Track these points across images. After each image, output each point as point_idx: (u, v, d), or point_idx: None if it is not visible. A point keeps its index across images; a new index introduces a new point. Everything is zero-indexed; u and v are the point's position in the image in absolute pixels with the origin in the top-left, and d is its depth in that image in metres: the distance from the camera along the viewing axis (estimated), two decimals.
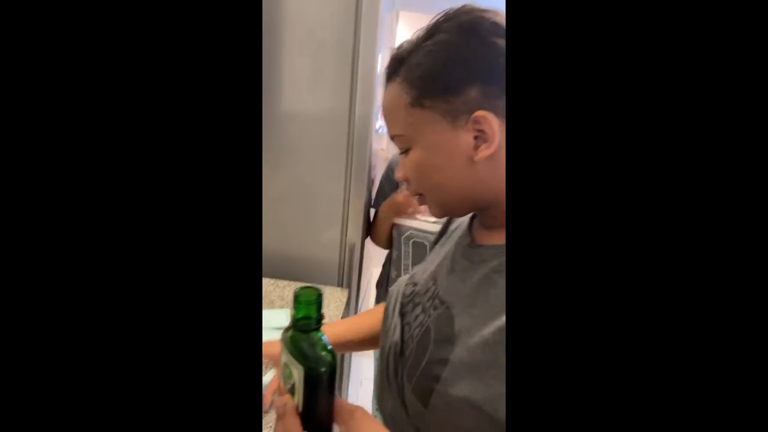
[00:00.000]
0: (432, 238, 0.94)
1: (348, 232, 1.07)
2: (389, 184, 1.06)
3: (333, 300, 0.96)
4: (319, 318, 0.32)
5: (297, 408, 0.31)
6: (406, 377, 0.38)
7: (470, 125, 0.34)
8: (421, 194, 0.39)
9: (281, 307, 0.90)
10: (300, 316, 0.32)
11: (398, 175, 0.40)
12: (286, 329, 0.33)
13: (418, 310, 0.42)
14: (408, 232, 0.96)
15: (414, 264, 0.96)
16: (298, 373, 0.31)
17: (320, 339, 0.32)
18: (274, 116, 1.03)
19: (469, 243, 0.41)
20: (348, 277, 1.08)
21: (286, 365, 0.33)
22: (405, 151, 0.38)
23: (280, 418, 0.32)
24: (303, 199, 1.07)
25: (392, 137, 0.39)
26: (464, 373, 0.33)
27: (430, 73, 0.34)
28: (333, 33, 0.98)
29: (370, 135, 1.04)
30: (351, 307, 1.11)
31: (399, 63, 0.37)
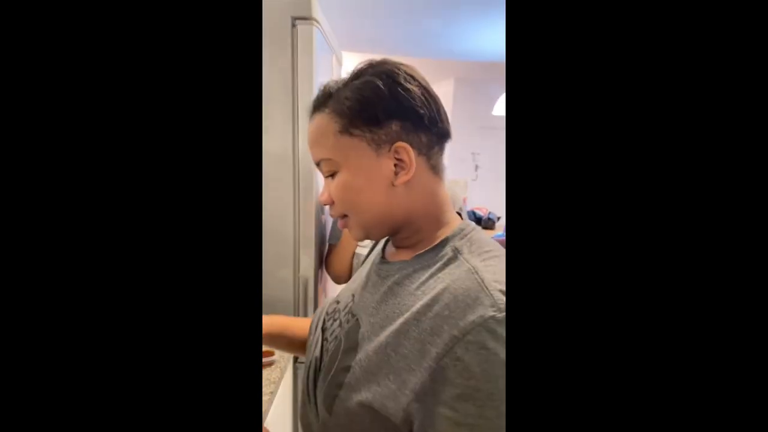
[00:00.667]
0: None
1: (301, 268, 1.07)
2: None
3: None
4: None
5: None
6: (318, 388, 0.41)
7: (391, 154, 0.39)
8: (344, 216, 0.43)
9: None
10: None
11: (322, 198, 0.44)
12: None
13: (336, 324, 0.45)
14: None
15: None
16: None
17: None
18: None
19: (380, 261, 0.46)
20: (304, 312, 1.07)
21: None
22: (331, 175, 0.42)
23: None
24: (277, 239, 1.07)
25: (318, 162, 0.43)
26: (362, 377, 0.36)
27: (358, 106, 0.39)
28: (272, 82, 1.05)
29: (316, 173, 1.08)
30: None
31: (328, 96, 0.42)
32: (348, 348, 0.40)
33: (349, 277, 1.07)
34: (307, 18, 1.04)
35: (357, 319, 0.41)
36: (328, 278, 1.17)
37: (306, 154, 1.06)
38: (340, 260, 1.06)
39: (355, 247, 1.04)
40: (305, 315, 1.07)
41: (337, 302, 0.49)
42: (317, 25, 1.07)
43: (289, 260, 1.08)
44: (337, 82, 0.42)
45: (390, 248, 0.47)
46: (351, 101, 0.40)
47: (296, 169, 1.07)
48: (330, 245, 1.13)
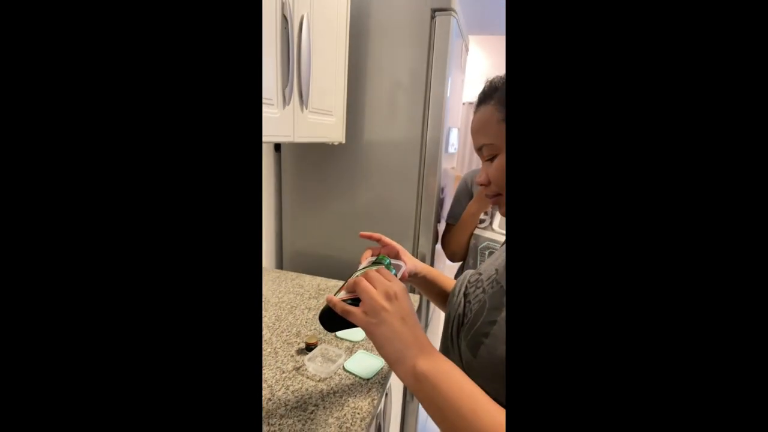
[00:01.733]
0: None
1: (419, 243, 1.21)
2: (466, 196, 1.17)
3: None
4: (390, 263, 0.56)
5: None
6: (463, 337, 0.51)
7: None
8: (499, 194, 0.51)
9: None
10: (376, 261, 0.57)
11: (480, 179, 0.52)
12: (358, 270, 0.53)
13: (479, 291, 0.54)
14: (485, 243, 1.07)
15: None
16: (374, 267, 0.51)
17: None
18: (357, 145, 1.24)
19: None
20: None
21: (362, 270, 0.51)
22: (491, 159, 0.50)
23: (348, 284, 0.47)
24: (381, 215, 1.25)
25: (482, 147, 0.50)
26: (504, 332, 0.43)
27: None
28: (407, 72, 1.15)
29: (440, 156, 1.17)
30: (422, 311, 1.24)
31: (494, 90, 0.48)
32: (492, 307, 0.48)
33: (465, 254, 1.15)
34: (446, 9, 1.09)
35: (501, 286, 0.49)
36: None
37: (432, 141, 1.16)
38: (458, 239, 1.15)
39: (474, 228, 1.11)
40: None
41: (480, 274, 0.59)
42: (454, 14, 1.11)
43: (410, 238, 1.22)
44: (502, 77, 0.48)
45: None
46: None
47: (423, 155, 1.17)
48: (448, 225, 1.22)
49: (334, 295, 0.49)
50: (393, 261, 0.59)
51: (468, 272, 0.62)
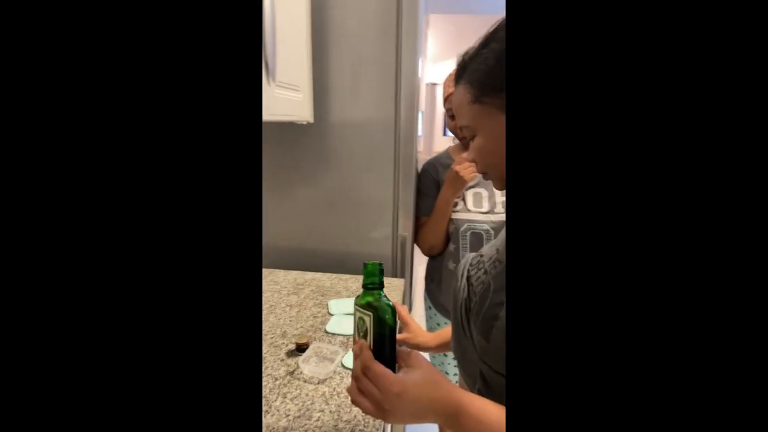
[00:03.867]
0: (486, 227, 1.02)
1: (399, 227, 1.17)
2: (433, 186, 1.13)
3: (393, 288, 1.06)
4: (381, 282, 0.44)
5: (369, 346, 0.42)
6: (473, 322, 0.48)
7: None
8: (485, 172, 0.48)
9: (348, 296, 1.01)
10: (368, 281, 0.44)
11: (468, 156, 0.49)
12: (357, 297, 0.45)
13: (481, 272, 0.51)
14: (465, 225, 1.04)
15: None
16: (369, 319, 0.42)
17: (382, 295, 0.44)
18: (326, 125, 1.14)
19: None
20: (401, 267, 1.18)
21: (360, 318, 0.44)
22: (472, 138, 0.47)
23: (356, 355, 0.41)
24: (355, 201, 1.18)
25: (460, 128, 0.48)
26: None
27: (486, 76, 0.42)
28: (375, 47, 1.08)
29: (415, 137, 1.13)
30: (405, 294, 1.21)
31: (463, 69, 0.46)
32: (498, 288, 0.45)
33: (445, 245, 1.11)
34: None
35: (504, 265, 0.47)
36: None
37: (406, 122, 1.10)
38: (435, 230, 1.09)
39: (450, 214, 1.08)
40: (402, 270, 1.18)
41: (481, 255, 0.56)
42: None
43: (389, 223, 1.17)
44: (468, 51, 0.45)
45: None
46: (479, 72, 0.43)
47: (397, 136, 1.12)
48: (419, 219, 1.16)
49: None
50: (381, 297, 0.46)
51: (469, 255, 0.59)
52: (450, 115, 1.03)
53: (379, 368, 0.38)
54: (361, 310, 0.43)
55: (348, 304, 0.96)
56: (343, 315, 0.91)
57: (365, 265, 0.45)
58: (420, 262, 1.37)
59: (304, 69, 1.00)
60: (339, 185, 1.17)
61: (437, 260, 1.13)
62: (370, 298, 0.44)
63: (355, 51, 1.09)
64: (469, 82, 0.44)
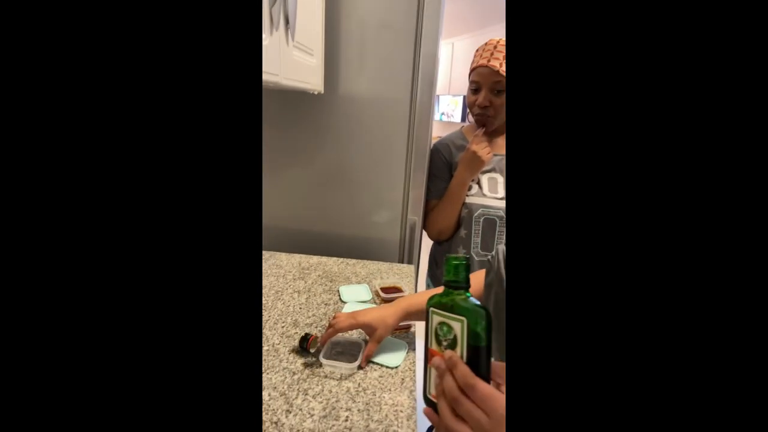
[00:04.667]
0: (501, 213, 0.98)
1: (408, 212, 1.11)
2: (445, 168, 1.07)
3: (403, 275, 1.01)
4: (467, 281, 0.37)
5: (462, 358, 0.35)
6: None
7: None
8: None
9: (358, 282, 0.95)
10: (450, 278, 0.37)
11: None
12: (431, 298, 0.38)
13: None
14: (479, 210, 0.99)
15: (483, 240, 0.99)
16: (460, 326, 0.35)
17: (470, 296, 0.36)
18: (336, 97, 1.05)
19: None
20: (409, 253, 1.12)
21: (442, 325, 0.36)
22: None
23: (447, 370, 0.34)
24: (365, 182, 1.10)
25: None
26: None
27: None
28: (395, 16, 0.99)
29: (431, 119, 1.06)
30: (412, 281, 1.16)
31: None
32: None
33: (455, 230, 1.05)
34: None
35: None
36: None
37: (422, 103, 1.03)
38: (447, 213, 1.03)
39: (463, 198, 1.02)
40: (410, 256, 1.13)
41: None
42: None
43: (398, 205, 1.11)
44: None
45: None
46: None
47: (413, 114, 1.05)
48: (430, 202, 1.10)
49: (426, 359, 0.37)
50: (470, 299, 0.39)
51: (501, 249, 0.54)
52: (474, 88, 0.97)
53: (487, 389, 0.31)
54: (446, 314, 0.36)
55: (361, 291, 0.90)
56: (356, 303, 0.85)
57: (447, 259, 0.37)
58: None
59: (317, 31, 0.90)
60: (345, 164, 1.09)
61: (444, 246, 1.09)
62: (457, 299, 0.36)
63: (372, 18, 1.00)
64: None
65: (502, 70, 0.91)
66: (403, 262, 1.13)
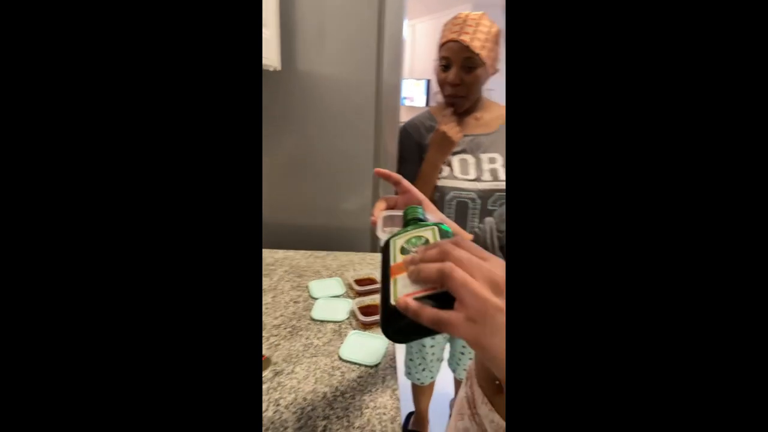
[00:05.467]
0: (473, 195, 0.95)
1: (379, 197, 1.05)
2: (416, 150, 1.02)
3: (376, 265, 0.96)
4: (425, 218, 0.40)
5: None
6: None
7: None
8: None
9: (329, 276, 0.89)
10: (411, 216, 0.40)
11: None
12: (393, 234, 0.36)
13: None
14: (451, 193, 0.96)
15: (457, 223, 0.97)
16: (431, 232, 0.35)
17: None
18: (293, 76, 0.96)
19: None
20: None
21: (410, 239, 0.35)
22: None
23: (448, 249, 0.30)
24: (331, 167, 1.03)
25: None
26: None
27: None
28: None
29: (399, 101, 1.00)
30: None
31: None
32: None
33: None
34: None
35: None
36: None
37: (388, 84, 0.97)
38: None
39: (436, 180, 0.99)
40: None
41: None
42: None
43: (367, 192, 1.05)
44: None
45: None
46: None
47: (379, 96, 0.98)
48: None
49: (386, 283, 0.32)
50: (435, 222, 0.41)
51: (488, 222, 0.50)
52: (444, 65, 0.92)
53: (467, 254, 0.29)
54: (412, 231, 0.35)
55: (333, 285, 0.84)
56: (329, 298, 0.79)
57: (405, 212, 0.41)
58: None
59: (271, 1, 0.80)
60: (309, 149, 1.02)
61: None
62: (419, 223, 0.37)
63: None
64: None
65: (473, 45, 0.87)
66: (376, 251, 1.08)
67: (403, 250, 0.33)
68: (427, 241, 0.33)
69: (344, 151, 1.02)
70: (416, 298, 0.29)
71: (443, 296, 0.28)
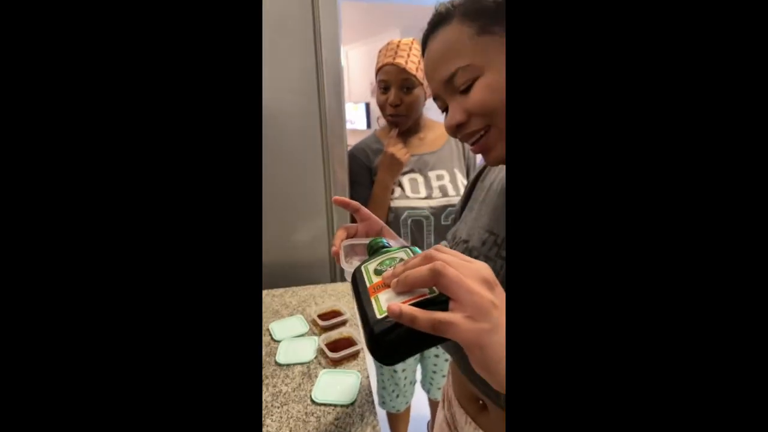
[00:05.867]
0: (426, 213, 0.97)
1: (334, 225, 1.04)
2: (366, 172, 1.03)
3: (339, 295, 0.93)
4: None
5: None
6: None
7: None
8: (483, 133, 0.41)
9: (290, 314, 0.84)
10: (374, 244, 0.40)
11: (452, 121, 0.41)
12: (363, 262, 0.36)
13: (482, 258, 0.44)
14: (405, 213, 0.97)
15: (414, 242, 0.98)
16: (404, 253, 0.35)
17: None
18: None
19: None
20: (342, 269, 1.05)
21: (383, 261, 0.34)
22: (467, 88, 0.40)
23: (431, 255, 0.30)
24: (281, 199, 1.00)
25: (452, 76, 0.40)
26: None
27: (497, 2, 0.38)
28: (290, 21, 0.92)
29: (344, 126, 1.01)
30: (351, 299, 1.09)
31: (452, 8, 0.40)
32: None
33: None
34: None
35: None
36: None
37: (331, 109, 0.98)
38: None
39: (389, 201, 1.00)
40: (344, 273, 1.06)
41: (466, 241, 0.49)
42: None
43: (321, 223, 1.03)
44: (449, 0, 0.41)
45: None
46: (484, 1, 0.38)
47: (323, 123, 0.99)
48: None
49: (366, 305, 0.31)
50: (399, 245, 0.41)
51: (444, 244, 0.52)
52: (383, 87, 0.95)
53: (452, 257, 0.29)
54: (383, 255, 0.35)
55: (295, 324, 0.80)
56: (292, 338, 0.75)
57: (370, 243, 0.40)
58: None
59: None
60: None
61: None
62: (387, 248, 0.38)
63: (264, 23, 0.91)
64: (470, 15, 0.39)
65: (408, 67, 0.91)
66: (336, 281, 1.06)
67: (377, 272, 0.33)
68: (401, 260, 0.33)
69: (293, 181, 1.00)
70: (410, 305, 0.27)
71: (434, 301, 0.27)
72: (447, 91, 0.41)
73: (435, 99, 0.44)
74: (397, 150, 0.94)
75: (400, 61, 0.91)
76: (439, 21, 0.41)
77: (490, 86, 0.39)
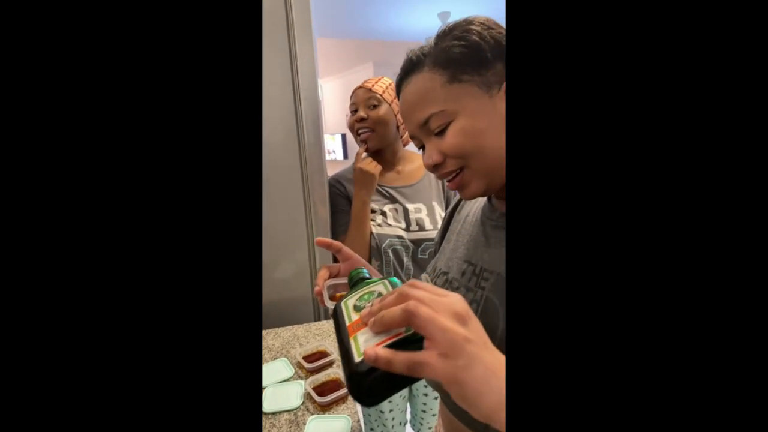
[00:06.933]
0: (406, 243, 0.98)
1: (316, 259, 1.03)
2: (344, 200, 1.04)
3: (324, 334, 0.91)
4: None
5: None
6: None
7: (502, 93, 0.41)
8: (457, 173, 0.43)
9: (273, 358, 0.81)
10: (355, 275, 0.41)
11: (430, 161, 0.43)
12: (343, 297, 0.37)
13: (461, 292, 0.45)
14: (387, 241, 0.97)
15: (394, 271, 0.98)
16: (383, 286, 0.35)
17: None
18: None
19: (499, 216, 0.47)
20: (326, 309, 1.03)
21: (362, 296, 0.35)
22: (441, 131, 0.42)
23: (406, 292, 0.30)
24: (263, 237, 0.98)
25: (427, 121, 0.43)
26: None
27: (468, 51, 0.41)
28: (271, 50, 0.94)
29: (323, 158, 1.02)
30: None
31: (422, 56, 0.43)
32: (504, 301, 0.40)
33: (369, 260, 1.01)
34: None
35: (499, 274, 0.42)
36: None
37: (310, 143, 0.99)
38: (360, 242, 0.98)
39: (369, 217, 1.00)
40: (328, 309, 1.03)
41: (445, 273, 0.49)
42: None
43: (305, 257, 1.02)
44: (423, 46, 0.43)
45: (500, 202, 0.48)
46: (455, 50, 0.41)
47: (302, 156, 1.00)
48: (338, 238, 1.06)
49: (345, 345, 0.31)
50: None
51: (424, 276, 0.53)
52: (353, 110, 1.00)
53: (424, 292, 0.29)
54: (366, 287, 0.36)
55: (279, 368, 0.76)
56: (277, 384, 0.71)
57: (351, 275, 0.42)
58: None
59: None
60: None
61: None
62: (366, 281, 0.38)
63: None
64: (440, 64, 0.41)
65: (374, 88, 0.98)
66: (321, 320, 1.03)
67: (357, 308, 0.33)
68: (379, 294, 0.34)
69: (273, 217, 0.99)
70: (384, 347, 0.28)
71: (410, 340, 0.28)
72: (423, 133, 0.44)
73: (412, 138, 0.47)
74: (366, 164, 0.97)
75: (367, 84, 0.99)
76: (411, 68, 0.44)
77: (464, 130, 0.41)
